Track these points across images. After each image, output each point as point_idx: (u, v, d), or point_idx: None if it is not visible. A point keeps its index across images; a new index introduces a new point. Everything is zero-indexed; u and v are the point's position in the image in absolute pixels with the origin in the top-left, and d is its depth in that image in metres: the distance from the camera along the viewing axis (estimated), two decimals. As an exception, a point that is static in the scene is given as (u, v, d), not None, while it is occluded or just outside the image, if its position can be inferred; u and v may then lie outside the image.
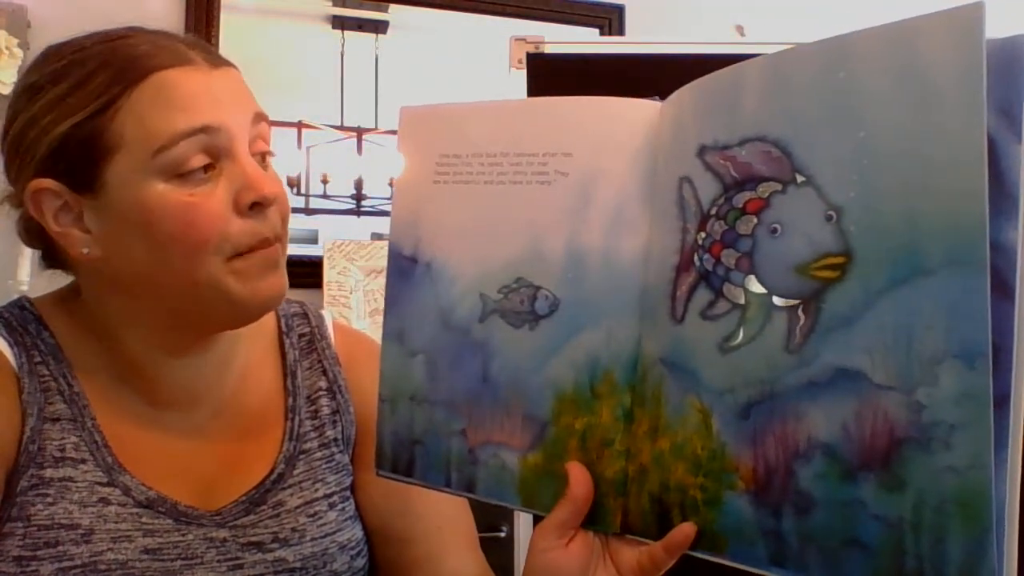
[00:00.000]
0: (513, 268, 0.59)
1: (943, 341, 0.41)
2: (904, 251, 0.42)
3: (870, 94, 0.43)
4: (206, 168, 0.62)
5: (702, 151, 0.51)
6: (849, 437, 0.44)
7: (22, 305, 0.70)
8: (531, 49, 1.20)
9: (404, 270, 0.64)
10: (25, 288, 1.48)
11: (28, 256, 1.48)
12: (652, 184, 0.55)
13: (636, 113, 0.57)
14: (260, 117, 0.67)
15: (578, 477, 0.55)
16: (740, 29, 1.74)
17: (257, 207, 0.64)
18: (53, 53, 0.65)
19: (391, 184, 1.97)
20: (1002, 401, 0.41)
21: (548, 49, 1.21)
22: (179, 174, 0.61)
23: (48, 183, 0.63)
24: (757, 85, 0.48)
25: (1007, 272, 0.41)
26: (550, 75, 1.20)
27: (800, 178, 0.46)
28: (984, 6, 0.40)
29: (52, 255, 0.70)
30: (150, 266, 0.63)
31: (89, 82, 0.62)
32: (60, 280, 0.72)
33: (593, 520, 0.56)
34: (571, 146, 0.58)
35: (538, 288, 0.58)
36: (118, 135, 0.61)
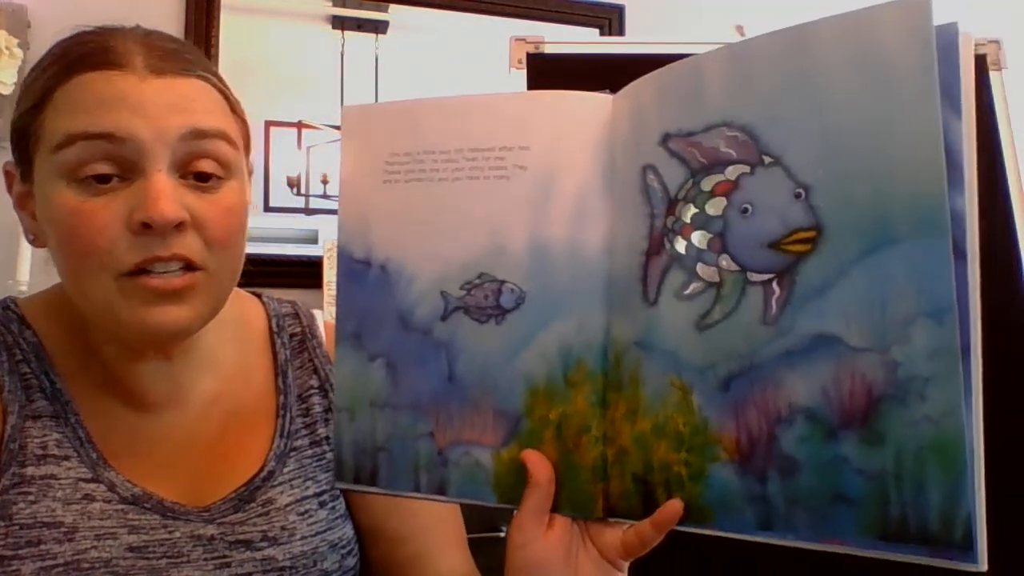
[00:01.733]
0: (475, 264, 0.59)
1: (913, 302, 0.45)
2: (872, 223, 0.46)
3: (832, 78, 0.47)
4: (110, 178, 0.60)
5: (665, 139, 0.53)
6: (829, 399, 0.47)
7: (6, 306, 0.69)
8: (531, 49, 1.19)
9: (356, 273, 0.63)
10: (24, 288, 1.47)
11: (28, 256, 1.47)
12: (611, 174, 0.57)
13: (590, 105, 0.58)
14: (199, 133, 0.62)
15: (535, 462, 0.56)
16: (740, 29, 1.78)
17: (147, 228, 0.59)
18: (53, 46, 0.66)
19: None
20: (965, 352, 0.45)
21: (548, 49, 1.21)
22: (78, 178, 0.60)
23: (11, 168, 0.67)
24: (720, 74, 0.50)
25: (959, 236, 0.45)
26: (550, 75, 1.19)
27: (767, 159, 0.49)
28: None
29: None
30: (60, 266, 0.64)
31: (40, 77, 0.63)
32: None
33: (574, 507, 0.57)
34: (528, 140, 0.58)
35: (503, 282, 0.59)
36: (40, 131, 0.62)
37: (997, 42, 1.20)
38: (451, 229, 0.60)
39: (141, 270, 0.60)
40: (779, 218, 0.48)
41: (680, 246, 0.52)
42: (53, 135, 0.60)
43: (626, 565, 0.57)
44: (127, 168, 0.60)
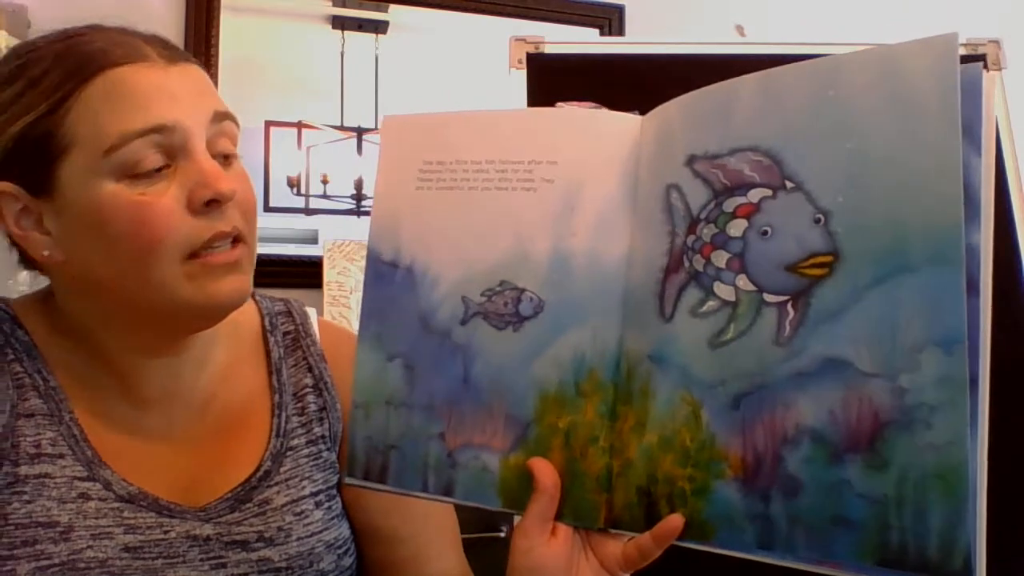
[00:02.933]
0: (497, 271, 0.61)
1: (924, 331, 0.45)
2: (889, 251, 0.47)
3: (859, 110, 0.48)
4: (161, 168, 0.60)
5: (691, 160, 0.55)
6: (836, 422, 0.48)
7: None
8: (531, 49, 1.20)
9: (383, 274, 0.64)
10: (25, 289, 1.45)
11: None
12: (635, 191, 0.58)
13: (619, 125, 0.60)
14: (222, 116, 0.64)
15: (542, 469, 0.57)
16: (740, 29, 1.77)
17: (213, 204, 0.61)
18: (11, 54, 0.64)
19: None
20: (973, 383, 0.45)
21: (548, 49, 1.21)
22: (133, 174, 0.60)
23: (6, 186, 0.61)
24: (749, 100, 0.52)
25: (974, 270, 0.47)
26: (550, 75, 1.19)
27: (790, 184, 0.50)
28: (957, 36, 0.46)
29: (28, 258, 0.66)
30: (106, 268, 0.61)
31: (42, 80, 0.60)
32: None
33: (577, 516, 0.57)
34: (556, 155, 0.60)
35: (522, 290, 0.60)
36: (70, 134, 0.60)
37: (997, 42, 1.20)
38: (476, 236, 0.62)
39: (202, 251, 0.62)
40: (798, 242, 0.50)
41: (699, 264, 0.54)
42: (99, 136, 0.59)
43: (625, 577, 0.58)
44: (172, 155, 0.61)
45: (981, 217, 0.47)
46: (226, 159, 0.65)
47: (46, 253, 0.62)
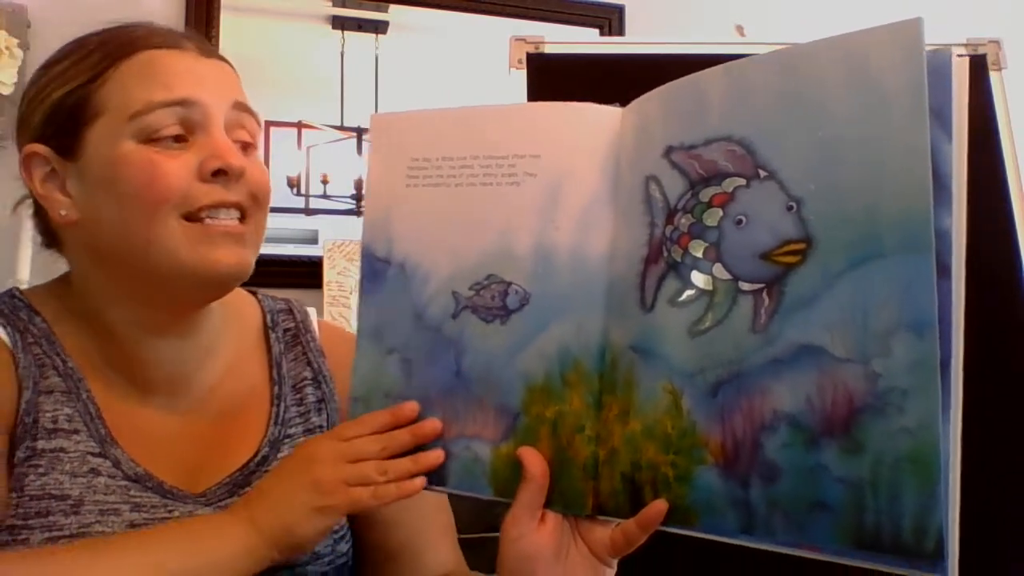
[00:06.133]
0: (484, 265, 0.62)
1: (896, 315, 0.46)
2: (860, 237, 0.47)
3: (826, 96, 0.48)
4: (178, 138, 0.65)
5: (669, 151, 0.55)
6: (812, 408, 0.48)
7: (12, 294, 0.72)
8: (531, 49, 1.20)
9: (378, 271, 0.66)
10: (24, 286, 1.48)
11: (28, 256, 1.48)
12: (616, 184, 0.59)
13: (600, 118, 0.61)
14: (243, 107, 0.69)
15: (531, 459, 0.58)
16: (740, 29, 1.75)
17: (220, 175, 0.65)
18: (68, 43, 0.70)
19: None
20: (945, 366, 0.46)
21: (548, 49, 1.21)
22: (152, 139, 0.65)
23: (39, 148, 0.68)
24: (721, 91, 0.52)
25: (944, 254, 0.47)
26: (550, 75, 1.20)
27: (763, 173, 0.51)
28: (922, 21, 0.46)
29: (48, 230, 0.72)
30: (116, 226, 0.66)
31: (86, 59, 0.67)
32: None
33: (566, 504, 0.58)
34: (539, 149, 0.61)
35: (509, 284, 0.61)
36: (102, 103, 0.66)
37: (997, 42, 1.20)
38: (464, 231, 0.63)
39: (204, 216, 0.65)
40: (771, 229, 0.50)
41: (677, 254, 0.54)
42: (127, 104, 0.65)
43: (615, 562, 0.59)
44: (191, 129, 0.66)
45: (953, 202, 0.47)
46: (244, 147, 0.69)
47: (63, 213, 0.67)
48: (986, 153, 1.13)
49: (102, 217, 0.66)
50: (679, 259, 0.54)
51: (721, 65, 0.53)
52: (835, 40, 0.48)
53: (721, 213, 0.52)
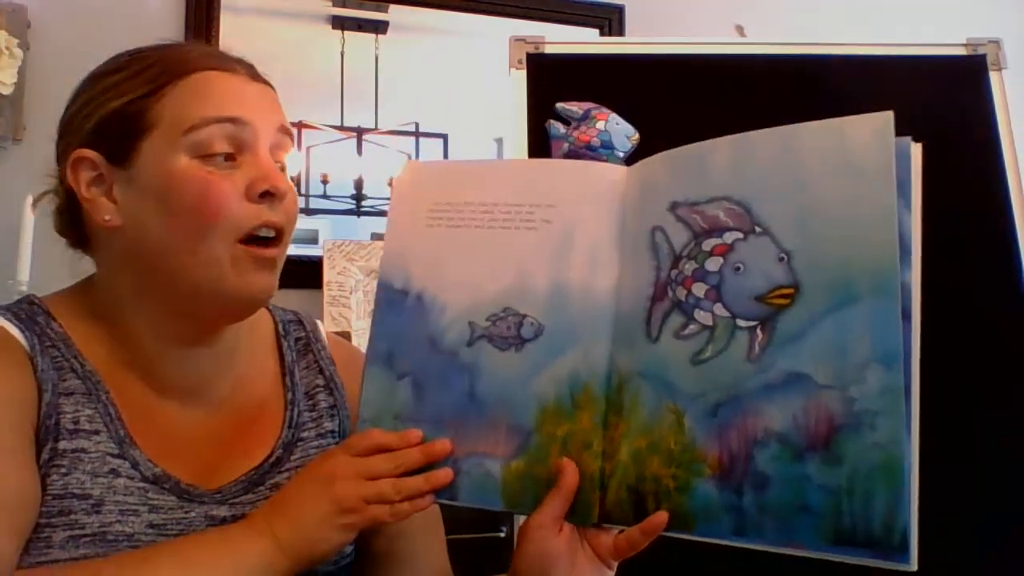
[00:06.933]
0: (501, 299, 0.69)
1: (869, 350, 0.56)
2: (840, 285, 0.57)
3: (812, 169, 0.59)
4: (229, 156, 0.69)
5: (674, 206, 0.65)
6: (798, 426, 0.58)
7: (30, 301, 0.73)
8: (531, 49, 1.21)
9: (393, 301, 0.72)
10: (24, 288, 1.46)
11: (28, 256, 1.47)
12: (622, 230, 0.68)
13: (608, 175, 0.70)
14: (285, 131, 0.74)
15: (568, 470, 0.64)
16: (740, 29, 1.80)
17: (268, 196, 0.70)
18: (121, 54, 0.74)
19: (390, 184, 1.90)
20: (907, 392, 0.56)
21: (548, 49, 1.22)
22: (203, 154, 0.69)
23: (89, 153, 0.70)
24: (725, 157, 0.62)
25: (907, 303, 0.57)
26: (550, 75, 1.21)
27: (758, 229, 0.61)
28: (892, 115, 0.57)
29: (78, 233, 0.74)
30: (162, 237, 0.69)
31: (144, 73, 0.71)
32: (59, 280, 0.76)
33: (574, 514, 0.65)
34: (555, 199, 0.70)
35: (524, 316, 0.68)
36: (158, 116, 0.69)
37: (997, 42, 1.21)
38: (483, 269, 0.70)
39: (251, 239, 0.69)
40: (765, 276, 0.60)
41: (681, 294, 0.63)
42: (183, 118, 0.69)
43: (615, 564, 0.66)
44: (240, 148, 0.70)
45: (912, 260, 0.58)
46: (282, 168, 0.74)
47: (107, 218, 0.70)
48: (986, 154, 1.16)
49: (148, 226, 0.69)
50: (683, 298, 0.63)
51: (724, 137, 0.63)
52: (821, 124, 0.59)
53: (721, 261, 0.62)
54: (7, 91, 1.57)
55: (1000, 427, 1.01)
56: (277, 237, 0.71)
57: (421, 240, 0.72)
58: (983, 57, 1.21)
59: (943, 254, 1.13)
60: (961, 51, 1.22)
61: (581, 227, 0.69)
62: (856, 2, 1.95)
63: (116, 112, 0.70)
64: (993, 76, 1.20)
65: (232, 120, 0.69)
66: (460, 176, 0.72)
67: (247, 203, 0.69)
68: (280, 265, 0.73)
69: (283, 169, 0.74)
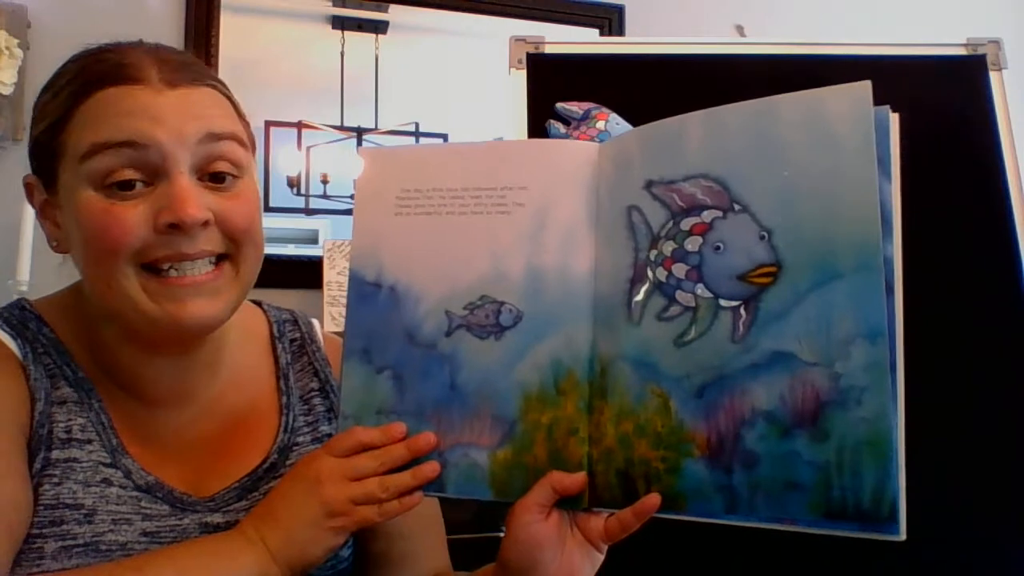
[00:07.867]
0: (477, 287, 0.68)
1: (853, 326, 0.56)
2: (822, 261, 0.57)
3: (791, 144, 0.58)
4: (134, 184, 0.64)
5: (649, 184, 0.63)
6: (785, 404, 0.58)
7: (21, 306, 0.72)
8: (531, 49, 1.21)
9: (366, 294, 0.70)
10: (25, 288, 1.46)
11: (28, 256, 1.47)
12: (596, 210, 0.66)
13: (579, 153, 0.68)
14: (215, 137, 0.67)
15: (571, 480, 0.63)
16: (740, 29, 1.80)
17: (175, 228, 0.64)
18: (65, 63, 0.70)
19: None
20: (892, 368, 0.56)
21: (548, 49, 1.21)
22: (104, 185, 0.64)
23: (32, 179, 0.71)
24: (699, 133, 0.61)
25: (889, 276, 0.57)
26: (550, 75, 1.20)
27: (737, 207, 0.59)
28: (870, 84, 0.56)
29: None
30: (85, 268, 0.68)
31: (60, 94, 0.68)
32: (60, 280, 0.75)
33: (564, 500, 0.65)
34: (526, 181, 0.67)
35: (502, 303, 0.67)
36: (64, 144, 0.66)
37: (997, 42, 1.21)
38: (456, 256, 0.68)
39: (166, 268, 0.65)
40: (746, 255, 0.59)
41: (662, 276, 0.62)
42: (78, 147, 0.64)
43: (605, 547, 0.66)
44: (151, 173, 0.64)
45: (893, 233, 0.58)
46: (221, 181, 0.67)
47: (54, 243, 0.70)
48: (986, 153, 1.17)
49: (76, 256, 0.68)
50: (664, 280, 0.62)
51: (697, 111, 0.61)
52: (799, 95, 0.58)
53: (701, 240, 0.61)
54: (7, 91, 1.56)
55: (986, 400, 1.01)
56: (219, 260, 0.67)
57: (390, 229, 0.70)
58: (983, 57, 1.21)
59: (943, 254, 1.14)
60: (961, 51, 1.22)
61: (555, 208, 0.67)
62: (856, 2, 1.95)
63: (36, 140, 0.69)
64: (993, 76, 1.20)
65: (129, 144, 0.63)
66: (427, 161, 0.70)
67: (153, 233, 0.64)
68: (232, 286, 0.68)
69: (223, 179, 0.67)
